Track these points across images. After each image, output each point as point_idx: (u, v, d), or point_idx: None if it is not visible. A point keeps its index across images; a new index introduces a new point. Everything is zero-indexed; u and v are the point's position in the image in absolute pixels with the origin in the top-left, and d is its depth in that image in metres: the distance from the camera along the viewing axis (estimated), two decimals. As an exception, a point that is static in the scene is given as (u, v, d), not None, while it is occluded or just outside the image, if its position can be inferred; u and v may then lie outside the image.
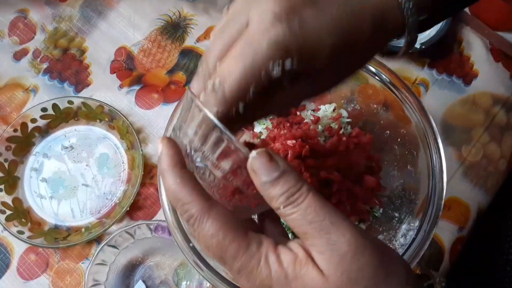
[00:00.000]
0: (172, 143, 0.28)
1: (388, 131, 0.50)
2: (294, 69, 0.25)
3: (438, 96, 0.62)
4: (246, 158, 0.25)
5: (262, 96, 0.26)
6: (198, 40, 0.64)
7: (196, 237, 0.26)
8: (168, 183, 0.26)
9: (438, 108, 0.61)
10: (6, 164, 0.57)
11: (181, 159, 0.27)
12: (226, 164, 0.27)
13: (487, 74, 0.62)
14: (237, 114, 0.26)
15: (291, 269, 0.25)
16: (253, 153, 0.25)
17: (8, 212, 0.54)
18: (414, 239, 0.41)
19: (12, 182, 0.57)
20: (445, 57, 0.63)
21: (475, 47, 0.64)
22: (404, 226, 0.45)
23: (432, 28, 0.61)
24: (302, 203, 0.24)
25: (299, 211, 0.24)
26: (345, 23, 0.26)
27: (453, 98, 0.61)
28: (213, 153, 0.27)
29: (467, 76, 0.62)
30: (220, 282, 0.40)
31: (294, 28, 0.25)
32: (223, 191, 0.29)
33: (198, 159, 0.28)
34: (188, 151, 0.28)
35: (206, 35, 0.64)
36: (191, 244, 0.41)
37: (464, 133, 0.60)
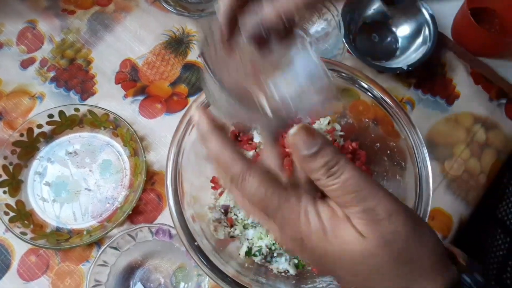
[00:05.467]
0: (206, 110, 0.29)
1: (378, 144, 0.54)
2: None
3: (423, 115, 0.66)
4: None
5: None
6: (200, 55, 0.68)
7: (241, 194, 0.28)
8: (211, 146, 0.28)
9: (423, 125, 0.65)
10: (10, 168, 0.58)
11: (218, 122, 0.29)
12: None
13: (468, 96, 0.67)
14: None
15: (330, 224, 0.27)
16: (293, 130, 0.27)
17: (12, 214, 0.56)
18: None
19: (16, 185, 0.59)
20: (430, 79, 0.68)
21: (457, 71, 0.69)
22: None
23: (418, 52, 0.66)
24: (342, 176, 0.26)
25: (339, 183, 0.26)
26: None
27: (437, 117, 0.66)
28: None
29: (450, 96, 0.67)
30: (221, 281, 0.43)
31: None
32: None
33: None
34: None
35: (207, 51, 0.68)
36: (196, 243, 0.43)
37: (447, 149, 0.64)
